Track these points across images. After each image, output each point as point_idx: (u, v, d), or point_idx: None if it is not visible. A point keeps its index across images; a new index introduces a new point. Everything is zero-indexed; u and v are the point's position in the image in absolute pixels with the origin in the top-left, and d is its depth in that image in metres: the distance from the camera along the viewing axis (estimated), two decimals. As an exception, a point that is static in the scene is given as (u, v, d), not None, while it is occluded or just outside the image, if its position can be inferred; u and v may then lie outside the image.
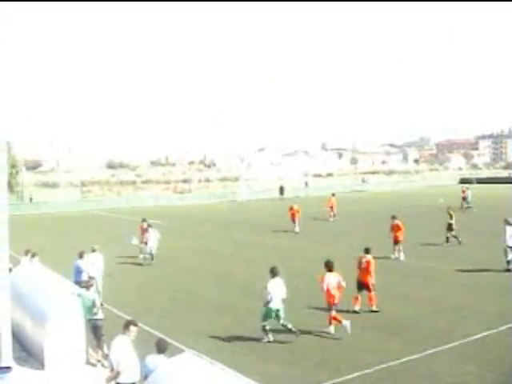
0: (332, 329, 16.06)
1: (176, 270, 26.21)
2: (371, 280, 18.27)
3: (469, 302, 18.72)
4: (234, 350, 14.85)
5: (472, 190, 50.81)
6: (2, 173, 9.63)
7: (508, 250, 23.45)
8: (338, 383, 12.37)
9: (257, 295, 20.39)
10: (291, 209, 39.47)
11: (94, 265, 19.42)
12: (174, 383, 8.48)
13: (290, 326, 15.56)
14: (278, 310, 15.54)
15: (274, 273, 15.91)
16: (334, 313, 16.11)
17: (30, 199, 72.86)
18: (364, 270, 18.42)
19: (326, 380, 12.46)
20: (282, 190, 72.12)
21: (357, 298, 18.18)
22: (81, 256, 19.56)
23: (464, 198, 49.20)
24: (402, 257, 26.75)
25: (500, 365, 13.18)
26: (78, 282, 16.75)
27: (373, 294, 18.23)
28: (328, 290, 16.21)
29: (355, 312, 17.84)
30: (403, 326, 16.50)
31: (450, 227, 30.48)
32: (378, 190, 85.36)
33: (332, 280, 16.30)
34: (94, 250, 20.31)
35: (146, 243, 27.97)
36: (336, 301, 16.22)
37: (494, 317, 16.71)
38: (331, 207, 45.93)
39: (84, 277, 18.46)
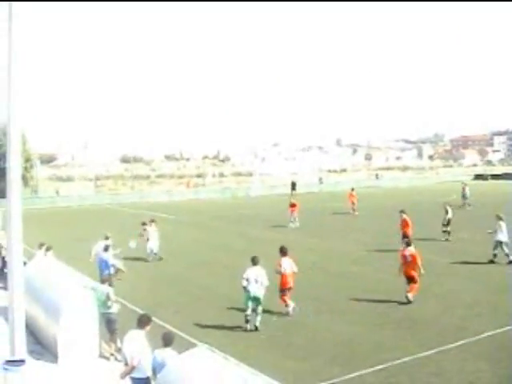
0: (291, 309, 17.58)
1: (188, 265, 26.25)
2: (417, 272, 18.72)
3: (481, 298, 18.64)
4: (247, 344, 14.87)
5: (486, 186, 50.57)
6: (16, 166, 9.68)
7: (498, 244, 24.24)
8: (351, 379, 12.38)
9: (270, 289, 20.46)
10: (292, 204, 39.79)
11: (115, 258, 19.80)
12: (187, 378, 8.50)
13: (258, 320, 16.18)
14: (257, 298, 16.21)
15: (254, 262, 16.85)
16: (287, 295, 17.66)
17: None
18: (411, 263, 18.75)
19: (338, 376, 12.47)
20: (293, 186, 71.94)
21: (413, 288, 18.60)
22: (106, 249, 19.74)
23: (463, 195, 49.18)
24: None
25: (513, 362, 13.14)
26: (106, 275, 16.90)
27: (416, 285, 18.58)
28: (284, 274, 17.60)
29: (409, 302, 18.21)
30: (416, 322, 16.46)
31: (444, 223, 31.56)
32: (392, 186, 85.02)
33: (287, 265, 17.72)
34: (106, 248, 20.40)
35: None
36: (290, 284, 17.63)
37: (506, 314, 16.61)
38: (352, 202, 46.26)
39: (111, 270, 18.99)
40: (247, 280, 16.28)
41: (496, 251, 24.22)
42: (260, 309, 16.32)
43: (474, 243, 28.94)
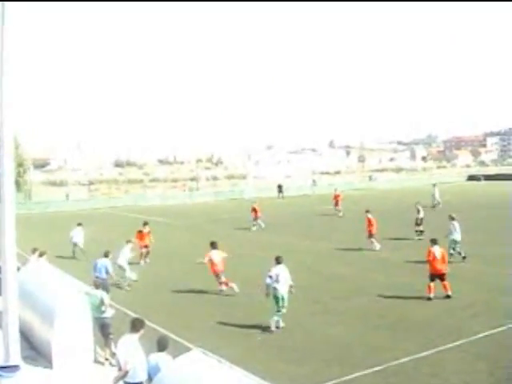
0: (235, 288, 20.62)
1: (183, 268, 26.17)
2: (447, 269, 19.21)
3: (478, 299, 18.61)
4: (242, 347, 14.82)
5: (472, 187, 50.94)
6: (9, 171, 9.60)
7: (453, 243, 25.35)
8: (349, 380, 12.34)
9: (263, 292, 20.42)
10: (253, 209, 40.51)
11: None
12: (182, 382, 8.44)
13: (276, 320, 16.35)
14: (280, 296, 16.44)
15: (278, 261, 17.08)
16: (223, 278, 20.82)
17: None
18: (441, 260, 19.16)
19: (335, 378, 12.42)
20: (280, 188, 71.64)
21: (430, 287, 18.92)
22: (106, 255, 19.69)
23: (433, 196, 49.73)
24: (377, 247, 28.56)
25: (510, 362, 13.10)
26: (100, 280, 16.86)
27: (446, 282, 19.00)
28: (213, 262, 20.73)
29: (429, 299, 18.56)
30: (414, 323, 16.44)
31: (417, 223, 32.60)
32: (386, 188, 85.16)
33: (216, 256, 20.86)
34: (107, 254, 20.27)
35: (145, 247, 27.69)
36: (220, 269, 20.79)
37: (504, 314, 16.62)
38: (337, 203, 47.22)
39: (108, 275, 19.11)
40: (271, 278, 16.57)
41: (452, 251, 25.07)
42: (282, 310, 16.53)
43: (476, 244, 29.00)
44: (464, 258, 24.91)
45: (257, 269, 25.09)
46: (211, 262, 20.77)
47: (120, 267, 22.34)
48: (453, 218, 26.27)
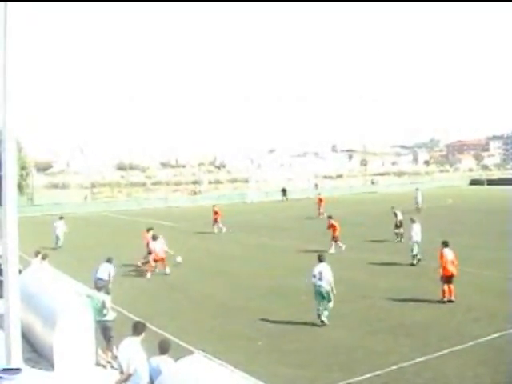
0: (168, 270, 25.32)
1: (186, 272, 26.19)
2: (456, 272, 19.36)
3: (478, 303, 18.60)
4: (244, 351, 14.82)
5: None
6: (11, 174, 9.65)
7: (413, 244, 26.21)
8: (349, 385, 12.36)
9: (266, 296, 20.45)
10: (215, 212, 41.23)
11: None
12: (183, 385, 8.47)
13: (325, 315, 17.03)
14: (323, 292, 17.06)
15: (320, 259, 17.81)
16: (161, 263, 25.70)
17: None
18: (452, 262, 19.23)
19: (337, 381, 12.44)
20: (284, 192, 72.30)
21: (445, 290, 19.04)
22: (109, 261, 19.63)
23: (416, 200, 50.31)
24: (333, 250, 29.73)
25: (511, 367, 13.10)
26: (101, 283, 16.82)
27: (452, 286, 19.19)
28: (156, 253, 25.38)
29: (450, 301, 18.68)
30: (414, 327, 16.44)
31: (397, 225, 33.37)
32: (388, 191, 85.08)
33: (157, 246, 25.62)
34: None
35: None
36: (162, 256, 25.60)
37: (504, 318, 16.62)
38: (320, 206, 49.19)
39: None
40: (314, 276, 17.26)
41: (415, 252, 26.11)
42: (329, 304, 17.18)
43: (473, 248, 29.08)
44: (419, 260, 25.85)
45: (261, 272, 25.19)
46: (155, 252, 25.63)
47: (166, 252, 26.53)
48: (413, 221, 27.50)
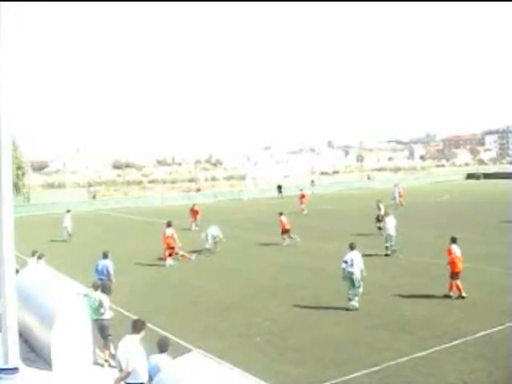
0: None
1: (182, 269, 26.20)
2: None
3: (476, 298, 18.60)
4: (242, 348, 14.83)
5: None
6: (7, 174, 9.62)
7: (387, 237, 27.32)
8: (347, 381, 12.35)
9: (263, 293, 20.46)
10: (194, 210, 41.94)
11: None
12: (182, 383, 8.46)
13: (356, 300, 17.96)
14: (354, 278, 18.01)
15: (352, 247, 18.74)
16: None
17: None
18: (460, 258, 19.32)
19: (334, 378, 12.44)
20: (280, 189, 72.31)
21: (453, 286, 19.11)
22: (106, 256, 19.59)
23: (394, 196, 50.91)
24: (286, 243, 31.11)
25: (509, 361, 13.13)
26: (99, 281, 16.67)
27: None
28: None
29: (462, 297, 18.64)
30: (411, 323, 16.43)
31: (378, 219, 33.76)
32: (384, 187, 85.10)
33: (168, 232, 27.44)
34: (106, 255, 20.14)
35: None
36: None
37: (501, 313, 16.64)
38: (301, 202, 49.87)
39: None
40: (345, 262, 18.19)
41: (387, 244, 27.31)
42: (359, 290, 18.12)
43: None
44: (395, 251, 27.11)
45: (257, 269, 25.20)
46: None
47: (214, 237, 30.17)
48: (388, 214, 28.88)
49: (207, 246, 30.21)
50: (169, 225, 28.00)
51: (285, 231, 32.13)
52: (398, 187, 51.89)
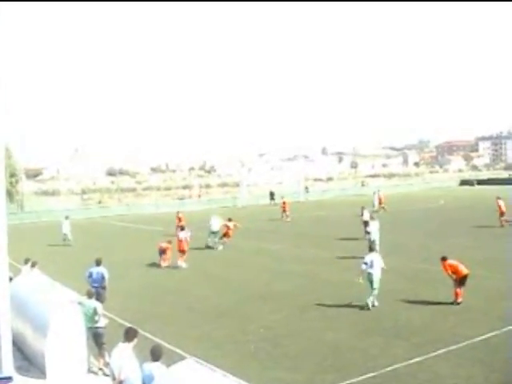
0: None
1: (176, 276, 26.13)
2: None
3: (471, 303, 18.56)
4: (237, 356, 14.74)
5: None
6: (1, 181, 9.57)
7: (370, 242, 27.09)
8: (343, 387, 12.30)
9: (258, 299, 20.39)
10: (178, 218, 42.03)
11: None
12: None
13: (374, 300, 18.71)
14: (373, 278, 18.68)
15: (371, 248, 20.07)
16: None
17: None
18: (463, 264, 19.28)
19: (331, 384, 12.39)
20: (272, 195, 72.07)
21: (458, 292, 18.87)
22: (99, 263, 19.45)
23: (373, 203, 51.71)
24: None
25: (505, 366, 13.11)
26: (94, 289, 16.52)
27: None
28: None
29: (458, 303, 18.55)
30: (406, 328, 16.39)
31: (364, 224, 34.23)
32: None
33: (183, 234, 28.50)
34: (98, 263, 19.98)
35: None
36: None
37: (497, 318, 16.63)
38: (284, 209, 50.58)
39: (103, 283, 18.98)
40: (366, 264, 18.88)
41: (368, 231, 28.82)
42: (374, 291, 18.73)
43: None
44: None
45: (250, 276, 25.14)
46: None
47: (214, 233, 33.60)
48: (373, 218, 30.27)
49: (210, 244, 33.71)
50: (182, 229, 29.32)
51: (226, 234, 34.41)
52: (376, 194, 53.02)
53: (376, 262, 18.86)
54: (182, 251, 28.12)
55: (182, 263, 27.88)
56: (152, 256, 29.09)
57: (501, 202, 38.16)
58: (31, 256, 21.89)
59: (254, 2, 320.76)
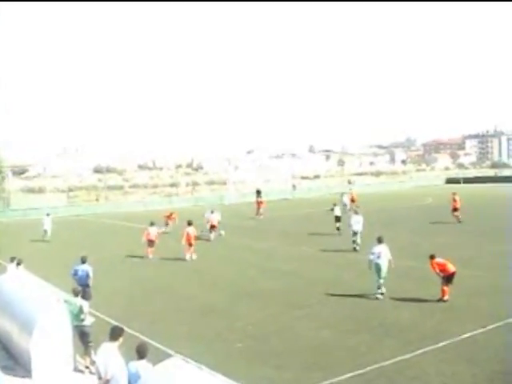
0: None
1: (164, 274, 26.06)
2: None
3: (457, 301, 18.59)
4: (224, 353, 14.70)
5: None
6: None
7: (354, 233, 29.82)
8: (331, 385, 12.29)
9: (245, 297, 20.36)
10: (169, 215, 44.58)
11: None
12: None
13: (383, 289, 19.59)
14: (381, 268, 19.64)
15: (379, 241, 20.41)
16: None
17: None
18: (447, 263, 19.34)
19: (318, 382, 12.36)
20: (258, 193, 71.92)
21: (445, 289, 18.94)
22: (84, 261, 19.30)
23: (344, 203, 51.74)
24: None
25: (492, 363, 13.12)
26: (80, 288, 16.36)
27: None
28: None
29: (444, 301, 18.60)
30: (394, 326, 16.43)
31: (337, 219, 36.58)
32: (365, 191, 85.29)
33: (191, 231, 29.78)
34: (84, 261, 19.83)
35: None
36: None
37: (485, 316, 16.68)
38: (258, 207, 52.53)
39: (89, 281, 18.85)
40: (373, 254, 19.92)
41: (354, 238, 29.74)
42: (380, 280, 19.65)
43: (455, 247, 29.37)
44: (355, 249, 29.45)
45: (237, 272, 25.10)
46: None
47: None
48: (356, 212, 31.44)
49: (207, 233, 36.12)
50: (189, 224, 30.22)
51: (214, 227, 37.08)
52: (346, 195, 54.08)
53: (384, 254, 19.75)
54: (190, 244, 29.39)
55: (191, 255, 29.33)
56: (140, 253, 29.02)
57: (456, 198, 39.80)
58: (16, 254, 21.75)
59: (245, 2, 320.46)
